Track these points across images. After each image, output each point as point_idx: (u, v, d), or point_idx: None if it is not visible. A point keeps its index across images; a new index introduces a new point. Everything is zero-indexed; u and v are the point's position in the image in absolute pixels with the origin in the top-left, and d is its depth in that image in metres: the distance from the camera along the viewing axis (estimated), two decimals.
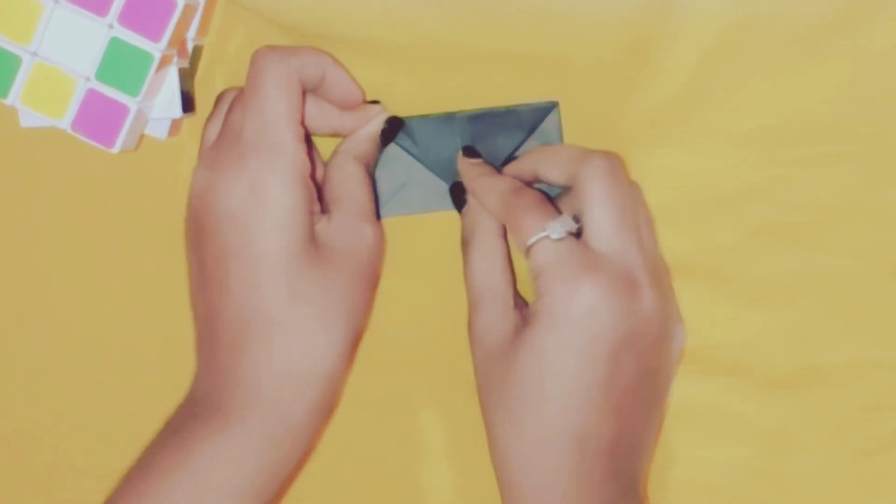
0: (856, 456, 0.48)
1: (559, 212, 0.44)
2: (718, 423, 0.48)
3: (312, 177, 0.44)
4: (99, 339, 0.51)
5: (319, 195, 0.45)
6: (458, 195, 0.48)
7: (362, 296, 0.45)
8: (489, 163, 0.48)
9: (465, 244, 0.47)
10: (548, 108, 0.47)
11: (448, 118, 0.48)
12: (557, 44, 0.47)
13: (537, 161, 0.46)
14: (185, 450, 0.42)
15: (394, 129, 0.47)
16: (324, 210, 0.45)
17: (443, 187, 0.48)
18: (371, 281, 0.45)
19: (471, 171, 0.47)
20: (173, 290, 0.49)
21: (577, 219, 0.43)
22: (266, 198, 0.42)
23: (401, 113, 0.48)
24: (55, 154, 0.50)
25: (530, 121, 0.48)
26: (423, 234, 0.49)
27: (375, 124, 0.47)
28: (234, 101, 0.45)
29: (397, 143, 0.48)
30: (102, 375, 0.51)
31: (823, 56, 0.47)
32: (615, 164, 0.44)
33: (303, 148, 0.43)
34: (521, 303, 0.46)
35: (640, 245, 0.43)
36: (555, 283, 0.42)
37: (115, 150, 0.46)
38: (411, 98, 0.48)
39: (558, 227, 0.42)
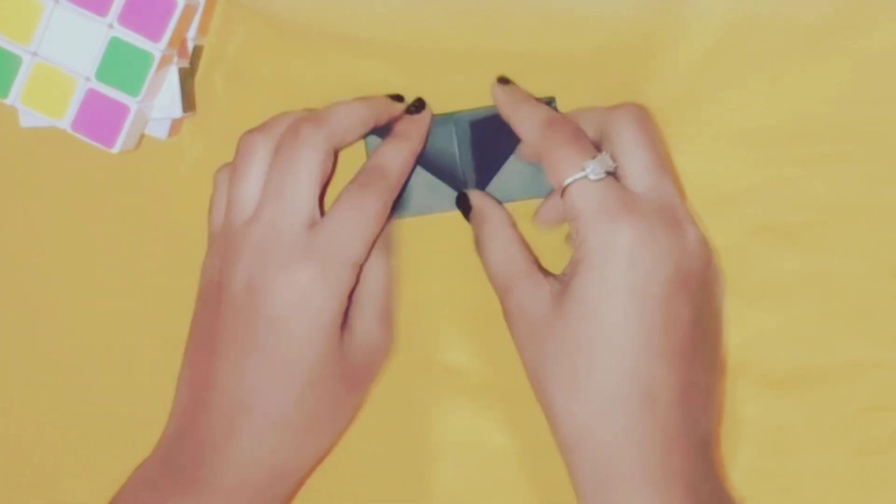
0: (856, 456, 0.48)
1: (595, 147, 0.43)
2: None
3: None
4: (99, 340, 0.51)
5: None
6: (464, 204, 0.47)
7: (363, 398, 0.46)
8: (525, 93, 0.47)
9: (479, 244, 0.46)
10: (546, 104, 0.47)
11: (446, 119, 0.47)
12: (557, 44, 0.47)
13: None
14: None
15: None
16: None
17: (443, 188, 0.48)
18: (372, 382, 0.46)
19: (507, 98, 0.46)
20: (173, 290, 0.49)
21: (614, 158, 0.42)
22: (313, 307, 0.42)
23: None
24: (55, 154, 0.50)
25: None
26: (425, 234, 0.49)
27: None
28: (274, 181, 0.43)
29: None
30: (102, 375, 0.51)
31: (823, 56, 0.47)
32: (645, 110, 0.44)
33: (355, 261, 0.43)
34: (550, 276, 0.44)
35: (677, 185, 0.43)
36: (596, 225, 0.41)
37: (116, 149, 0.46)
38: (411, 98, 0.48)
39: (597, 167, 0.41)
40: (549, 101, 0.47)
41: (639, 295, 0.40)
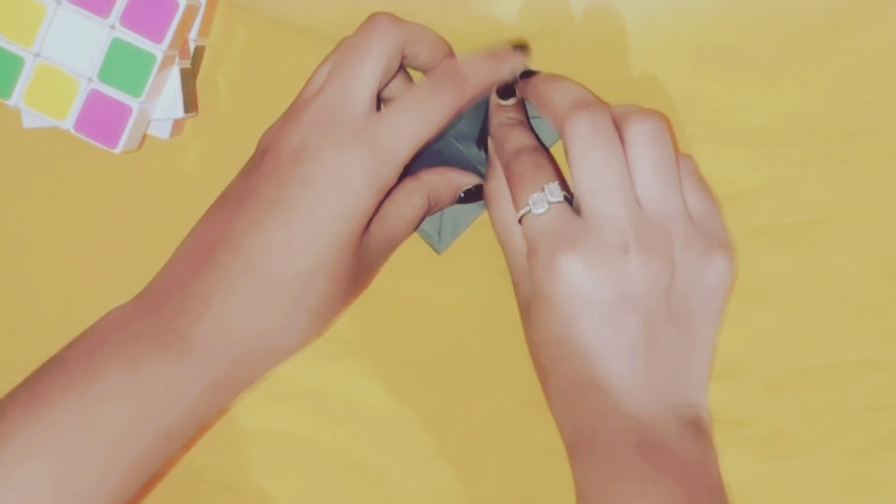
0: (856, 456, 0.48)
1: (556, 173, 0.44)
2: (718, 424, 0.48)
3: None
4: None
5: None
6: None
7: (345, 306, 0.45)
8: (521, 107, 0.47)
9: (488, 197, 0.46)
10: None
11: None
12: (557, 44, 0.48)
13: (540, 95, 0.45)
14: (136, 365, 0.41)
15: (477, 193, 0.47)
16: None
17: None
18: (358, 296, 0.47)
19: (494, 117, 0.46)
20: None
21: (563, 185, 0.43)
22: (352, 191, 0.42)
23: None
24: (58, 154, 0.50)
25: None
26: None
27: (464, 181, 0.47)
28: (343, 60, 0.43)
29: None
30: None
31: (823, 56, 0.47)
32: (594, 120, 0.42)
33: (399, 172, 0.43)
34: None
35: (626, 206, 0.42)
36: (537, 258, 0.42)
37: (118, 150, 0.46)
38: None
39: (540, 201, 0.43)
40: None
41: (574, 323, 0.42)
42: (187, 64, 0.48)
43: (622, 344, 0.42)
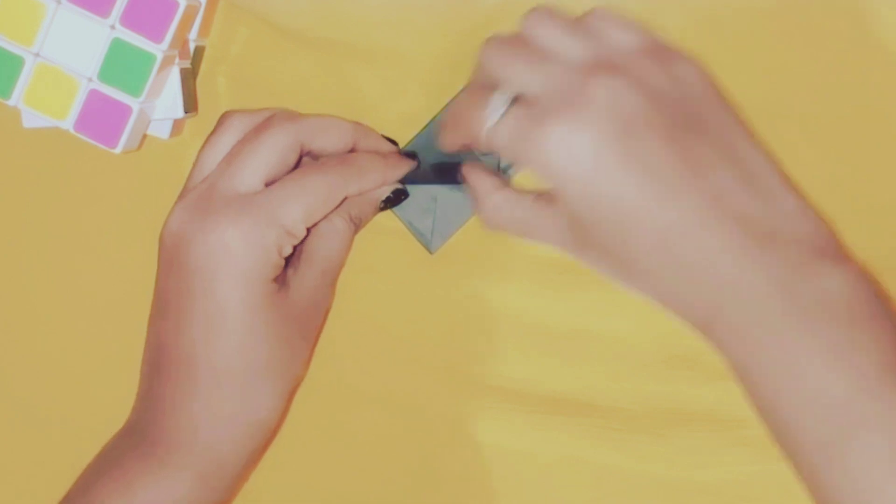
0: None
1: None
2: (717, 424, 0.48)
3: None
4: (102, 341, 0.51)
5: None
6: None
7: (307, 351, 0.46)
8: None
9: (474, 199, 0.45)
10: None
11: (431, 125, 0.47)
12: None
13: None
14: (126, 481, 0.43)
15: (397, 198, 0.48)
16: (300, 246, 0.45)
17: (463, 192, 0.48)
18: (316, 336, 0.47)
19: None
20: None
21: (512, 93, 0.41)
22: (236, 260, 0.42)
23: (406, 119, 0.48)
24: (58, 154, 0.50)
25: None
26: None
27: (381, 191, 0.47)
28: (234, 150, 0.44)
29: (406, 182, 0.48)
30: (103, 376, 0.51)
31: (821, 55, 0.47)
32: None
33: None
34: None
35: (557, 62, 0.40)
36: (527, 148, 0.39)
37: (118, 150, 0.46)
38: (415, 101, 0.48)
39: (494, 109, 0.40)
40: None
41: (602, 166, 0.38)
42: (187, 64, 0.48)
43: (665, 166, 0.38)
